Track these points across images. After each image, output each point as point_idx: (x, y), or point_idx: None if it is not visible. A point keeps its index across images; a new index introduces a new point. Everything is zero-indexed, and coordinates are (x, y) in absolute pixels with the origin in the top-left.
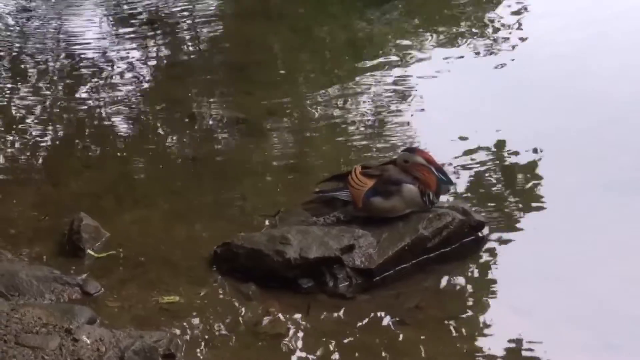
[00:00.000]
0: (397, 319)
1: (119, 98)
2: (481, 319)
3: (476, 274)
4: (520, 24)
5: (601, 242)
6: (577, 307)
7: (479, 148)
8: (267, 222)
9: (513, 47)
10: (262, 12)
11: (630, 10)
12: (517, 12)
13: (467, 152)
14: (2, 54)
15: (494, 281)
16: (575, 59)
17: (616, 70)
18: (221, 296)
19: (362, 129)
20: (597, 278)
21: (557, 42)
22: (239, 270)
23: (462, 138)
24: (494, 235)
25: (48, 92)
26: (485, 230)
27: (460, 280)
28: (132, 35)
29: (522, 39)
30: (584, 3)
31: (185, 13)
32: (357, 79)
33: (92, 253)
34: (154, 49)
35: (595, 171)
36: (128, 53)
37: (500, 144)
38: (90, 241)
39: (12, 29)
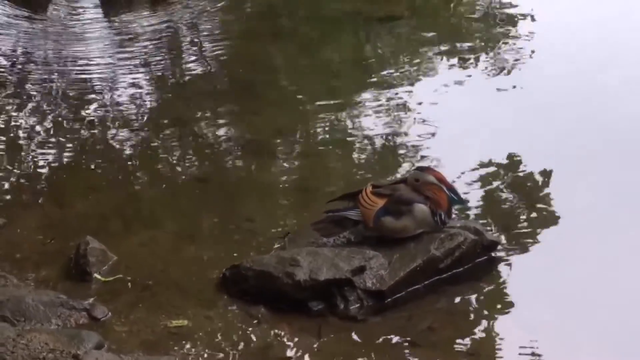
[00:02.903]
0: (409, 340)
1: (124, 118)
2: (495, 339)
3: (489, 295)
4: (531, 40)
5: (616, 260)
6: (595, 326)
7: (491, 166)
8: (276, 244)
9: (524, 64)
10: (269, 31)
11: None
12: (528, 28)
13: (479, 171)
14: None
15: (508, 301)
16: (587, 76)
17: (628, 86)
18: (230, 319)
19: (371, 147)
20: (614, 297)
21: (568, 59)
22: (248, 293)
23: (473, 156)
24: (507, 255)
25: (52, 113)
26: (499, 250)
27: (473, 301)
28: (137, 55)
29: (533, 55)
30: (595, 18)
31: (192, 32)
32: (366, 97)
33: (99, 277)
34: (160, 68)
35: (609, 188)
36: (133, 73)
37: (512, 162)
38: (97, 265)
39: (16, 48)
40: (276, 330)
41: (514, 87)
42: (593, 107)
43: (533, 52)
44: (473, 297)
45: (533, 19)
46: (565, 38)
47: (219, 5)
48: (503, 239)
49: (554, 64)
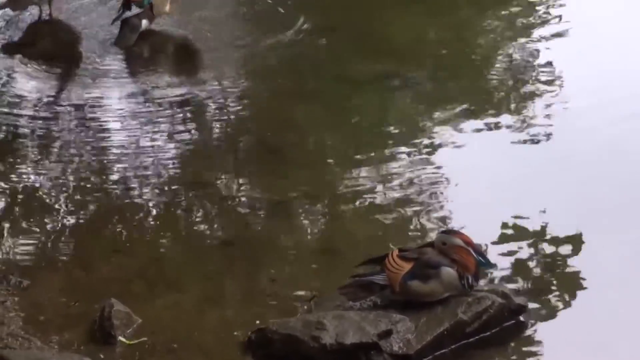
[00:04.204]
0: None
1: (148, 180)
2: None
3: (517, 359)
4: (556, 95)
5: None
6: None
7: (516, 227)
8: (302, 307)
9: (549, 120)
10: (294, 92)
11: None
12: (553, 82)
13: (505, 232)
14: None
15: None
16: (615, 132)
17: None
18: None
19: (397, 210)
20: None
21: (594, 114)
22: (274, 357)
23: (498, 217)
24: (535, 320)
25: (76, 175)
26: (526, 314)
27: None
28: (161, 116)
29: (559, 111)
30: (621, 76)
31: (216, 93)
32: (390, 158)
33: (123, 340)
34: (184, 129)
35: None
36: (157, 133)
37: (539, 223)
38: (122, 328)
39: (37, 109)
40: None
41: (539, 144)
42: (622, 165)
43: (559, 107)
44: None
45: (558, 72)
46: (593, 94)
47: (244, 67)
48: (530, 302)
49: (581, 120)
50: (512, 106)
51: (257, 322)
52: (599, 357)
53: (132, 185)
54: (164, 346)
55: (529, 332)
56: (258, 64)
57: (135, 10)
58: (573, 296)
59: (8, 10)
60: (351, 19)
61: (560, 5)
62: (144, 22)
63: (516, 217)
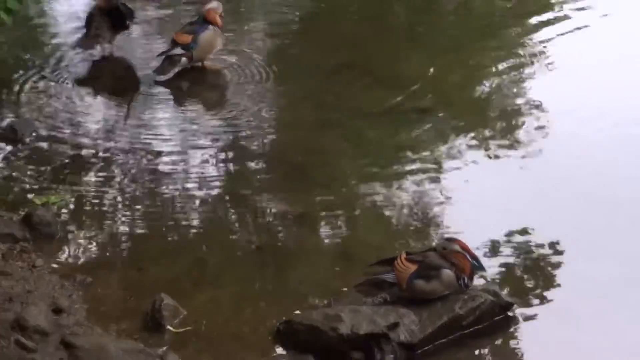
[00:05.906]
0: None
1: (191, 194)
2: None
3: (505, 348)
4: (545, 121)
5: (620, 319)
6: None
7: (508, 236)
8: (321, 302)
9: (538, 146)
10: (319, 122)
11: None
12: (543, 114)
13: (498, 240)
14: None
15: (521, 354)
16: (599, 156)
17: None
18: None
19: (405, 221)
20: (617, 353)
21: (582, 140)
22: (299, 345)
23: (493, 228)
24: (522, 314)
25: (131, 189)
26: (514, 310)
27: (491, 353)
28: (205, 139)
29: (551, 139)
30: (608, 103)
31: (252, 122)
32: (401, 179)
33: (171, 329)
34: (224, 151)
35: (618, 264)
36: (201, 154)
37: (528, 233)
38: (170, 318)
39: (100, 132)
40: None
41: (533, 169)
42: (606, 183)
43: (552, 135)
44: (491, 350)
45: (549, 104)
46: (582, 123)
47: (276, 98)
48: (518, 300)
49: (571, 146)
50: (510, 135)
51: (285, 314)
52: (576, 346)
53: (179, 199)
54: (205, 334)
55: (515, 325)
56: (286, 96)
57: (178, 50)
58: (555, 296)
59: (78, 49)
60: (364, 57)
61: (550, 48)
62: (183, 60)
63: (508, 228)
